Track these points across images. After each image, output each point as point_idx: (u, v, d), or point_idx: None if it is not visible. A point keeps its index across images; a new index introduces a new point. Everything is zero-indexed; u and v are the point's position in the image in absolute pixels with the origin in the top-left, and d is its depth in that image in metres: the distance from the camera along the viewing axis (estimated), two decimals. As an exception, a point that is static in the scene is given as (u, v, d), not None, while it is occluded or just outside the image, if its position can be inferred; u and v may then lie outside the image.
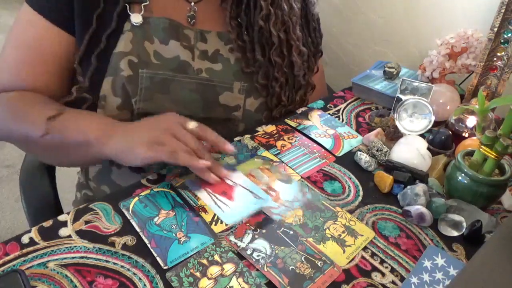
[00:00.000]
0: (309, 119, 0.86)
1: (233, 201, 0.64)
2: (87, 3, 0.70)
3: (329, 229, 0.62)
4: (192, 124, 0.65)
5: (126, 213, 0.60)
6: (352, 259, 0.58)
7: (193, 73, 0.75)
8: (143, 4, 0.73)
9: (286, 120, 0.85)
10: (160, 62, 0.73)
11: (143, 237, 0.57)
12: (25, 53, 0.72)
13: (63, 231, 0.57)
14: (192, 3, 0.78)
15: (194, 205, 0.64)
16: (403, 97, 0.84)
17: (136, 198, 0.63)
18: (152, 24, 0.73)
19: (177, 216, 0.61)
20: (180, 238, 0.58)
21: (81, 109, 0.72)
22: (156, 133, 0.63)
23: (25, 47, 0.72)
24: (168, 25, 0.74)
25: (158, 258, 0.55)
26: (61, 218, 0.59)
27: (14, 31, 0.73)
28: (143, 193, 0.64)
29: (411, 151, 0.74)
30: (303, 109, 0.89)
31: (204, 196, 0.65)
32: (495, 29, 0.84)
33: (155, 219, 0.60)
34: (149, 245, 0.56)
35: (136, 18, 0.72)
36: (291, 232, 0.61)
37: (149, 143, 0.61)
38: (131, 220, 0.59)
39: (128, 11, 0.72)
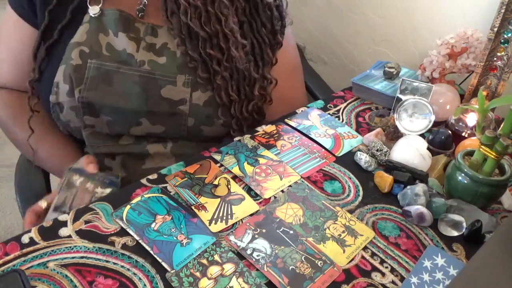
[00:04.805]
0: (309, 119, 0.86)
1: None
2: None
3: (329, 229, 0.62)
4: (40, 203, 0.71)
5: (120, 222, 0.59)
6: (352, 259, 0.59)
7: (135, 64, 0.75)
8: None
9: (286, 120, 0.85)
10: (110, 54, 0.74)
11: (144, 244, 0.56)
12: (3, 49, 0.79)
13: (63, 231, 0.57)
14: None
15: (194, 203, 0.64)
16: (403, 97, 0.84)
17: (128, 206, 0.62)
18: (106, 16, 0.75)
19: (174, 219, 0.61)
20: (182, 240, 0.58)
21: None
22: None
23: (4, 43, 0.79)
24: (119, 16, 0.75)
25: (163, 263, 0.54)
26: (61, 217, 0.59)
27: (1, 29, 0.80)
28: (134, 201, 0.63)
29: (411, 151, 0.74)
30: (303, 109, 0.89)
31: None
32: (495, 29, 0.84)
33: (152, 225, 0.59)
34: (151, 252, 0.56)
35: (93, 10, 0.74)
36: (291, 232, 0.61)
37: None
38: (127, 229, 0.58)
39: (88, 4, 0.74)
